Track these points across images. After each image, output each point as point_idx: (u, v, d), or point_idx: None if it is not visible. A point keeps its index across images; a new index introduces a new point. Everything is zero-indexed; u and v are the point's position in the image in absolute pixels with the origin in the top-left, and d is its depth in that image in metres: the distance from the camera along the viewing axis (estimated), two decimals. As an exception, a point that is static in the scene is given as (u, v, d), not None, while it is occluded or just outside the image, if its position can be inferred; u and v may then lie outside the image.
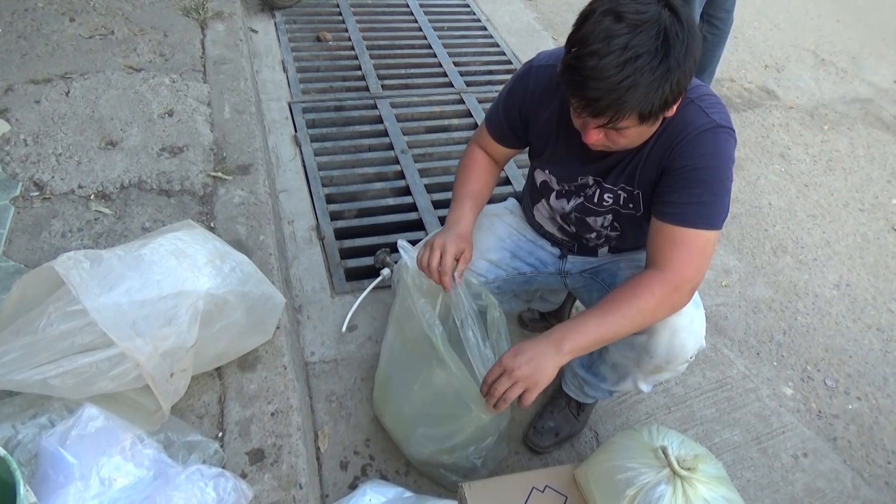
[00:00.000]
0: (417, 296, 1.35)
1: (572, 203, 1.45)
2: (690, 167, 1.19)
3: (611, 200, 1.38)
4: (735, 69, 3.77)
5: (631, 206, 1.36)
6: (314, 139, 2.64)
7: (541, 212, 1.56)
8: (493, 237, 1.57)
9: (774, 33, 4.30)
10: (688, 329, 1.32)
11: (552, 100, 1.32)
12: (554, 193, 1.47)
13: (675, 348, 1.32)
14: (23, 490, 0.87)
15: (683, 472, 1.22)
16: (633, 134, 1.14)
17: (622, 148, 1.21)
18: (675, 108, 1.14)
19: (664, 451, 1.26)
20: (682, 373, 1.62)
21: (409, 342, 1.44)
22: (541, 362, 1.15)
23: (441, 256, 1.29)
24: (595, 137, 1.15)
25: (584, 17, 1.07)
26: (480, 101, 3.02)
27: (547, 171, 1.44)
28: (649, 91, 1.04)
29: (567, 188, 1.43)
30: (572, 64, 1.06)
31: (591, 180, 1.37)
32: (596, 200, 1.40)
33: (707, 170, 1.19)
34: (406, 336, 1.44)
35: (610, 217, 1.42)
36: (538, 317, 1.98)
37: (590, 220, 1.45)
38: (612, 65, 1.01)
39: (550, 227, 1.57)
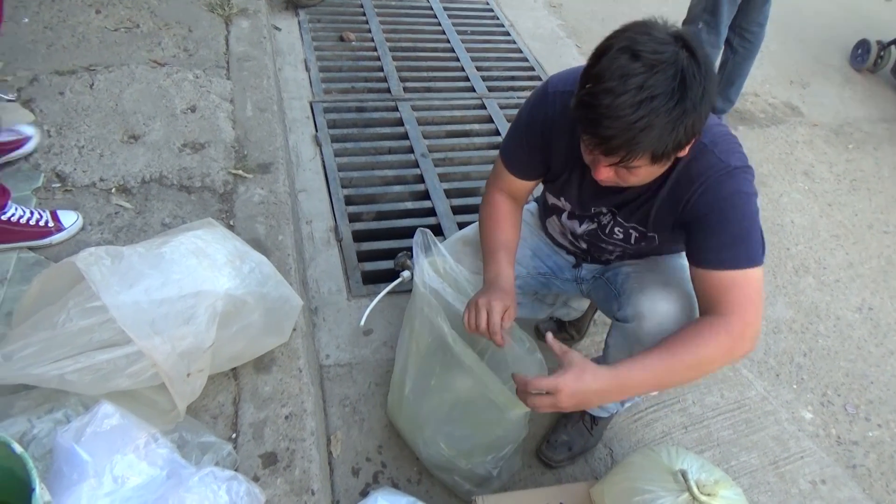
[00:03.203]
0: (430, 297, 1.34)
1: (584, 227, 1.44)
2: (716, 211, 1.17)
3: (621, 235, 1.38)
4: (759, 84, 3.73)
5: (643, 243, 1.36)
6: (335, 139, 2.63)
7: (553, 226, 1.56)
8: None
9: (800, 49, 4.26)
10: (676, 319, 1.30)
11: (571, 127, 1.28)
12: (566, 213, 1.46)
13: (664, 336, 1.28)
14: (38, 489, 0.86)
15: (703, 498, 1.20)
16: (644, 173, 1.12)
17: (632, 185, 1.19)
18: (687, 148, 1.12)
19: (683, 474, 1.24)
20: (698, 387, 1.60)
21: (424, 341, 1.42)
22: (590, 402, 1.13)
23: (488, 315, 1.24)
24: (605, 175, 1.13)
25: (600, 53, 1.04)
26: (502, 107, 3.00)
27: (562, 199, 1.43)
28: (663, 133, 1.02)
29: (579, 213, 1.42)
30: (586, 101, 1.03)
31: (604, 209, 1.36)
32: (608, 232, 1.40)
33: (732, 209, 1.16)
34: (421, 335, 1.42)
35: (622, 245, 1.42)
36: (555, 328, 1.96)
37: (602, 244, 1.45)
38: (627, 104, 0.99)
39: (562, 241, 1.57)
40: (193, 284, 1.26)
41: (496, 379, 1.26)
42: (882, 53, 4.07)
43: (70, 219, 1.67)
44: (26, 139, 1.90)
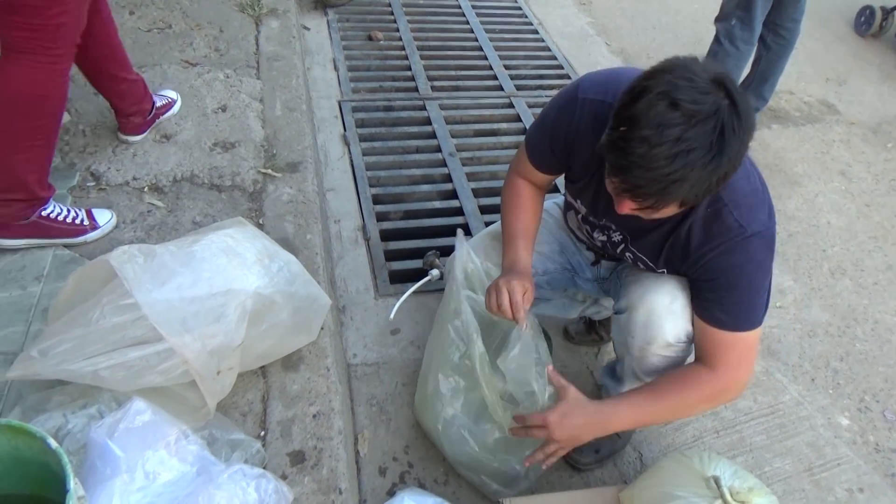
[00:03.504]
0: (468, 308, 1.35)
1: (597, 234, 1.43)
2: (725, 277, 1.19)
3: (631, 260, 1.38)
4: (794, 81, 3.64)
5: (653, 270, 1.35)
6: (363, 139, 2.64)
7: (572, 220, 1.56)
8: (544, 230, 1.56)
9: (837, 45, 4.15)
10: (666, 309, 1.29)
11: (597, 138, 1.22)
12: (580, 216, 1.45)
13: (652, 328, 1.31)
14: (72, 484, 0.87)
15: (737, 505, 1.17)
16: (668, 211, 1.11)
17: (652, 217, 1.17)
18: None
19: (716, 480, 1.21)
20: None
21: (455, 349, 1.42)
22: (581, 435, 1.25)
23: (510, 296, 1.27)
24: (627, 210, 1.11)
25: (637, 95, 0.99)
26: (530, 106, 2.98)
27: (578, 202, 1.41)
28: (695, 185, 1.00)
29: (592, 220, 1.41)
30: (620, 145, 1.00)
31: (614, 226, 1.35)
32: (619, 252, 1.39)
33: (741, 277, 1.18)
34: (454, 342, 1.42)
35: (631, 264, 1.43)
36: (584, 329, 1.94)
37: (613, 251, 1.45)
38: (663, 156, 0.96)
39: (581, 235, 1.56)
40: (223, 283, 1.27)
41: (508, 410, 1.33)
42: (886, 18, 4.07)
43: (104, 217, 1.70)
44: (173, 101, 2.14)
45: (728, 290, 1.19)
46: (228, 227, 1.43)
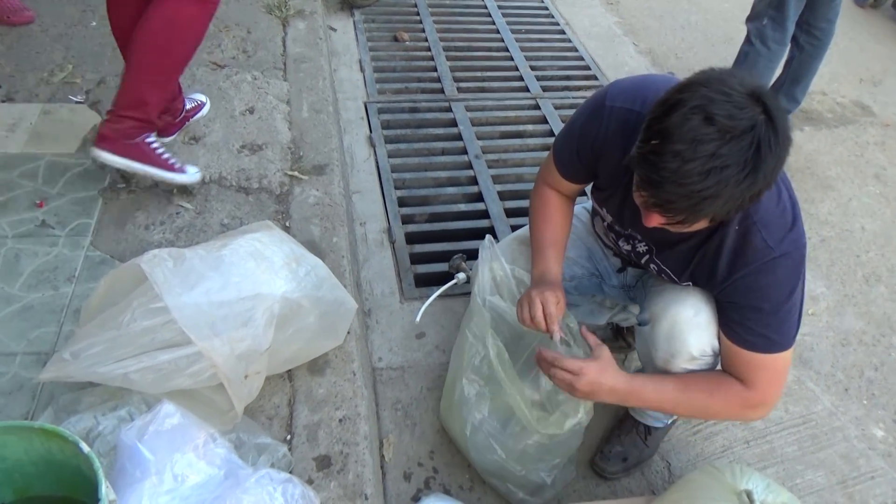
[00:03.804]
0: (486, 312, 1.35)
1: (622, 243, 1.42)
2: (754, 299, 1.17)
3: (655, 271, 1.36)
4: (827, 82, 3.56)
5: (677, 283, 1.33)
6: (388, 140, 2.64)
7: (598, 225, 1.54)
8: (572, 234, 1.54)
9: (872, 45, 4.06)
10: (690, 322, 1.27)
11: (624, 146, 1.21)
12: (606, 224, 1.43)
13: (675, 341, 1.28)
14: (104, 489, 0.88)
15: (770, 520, 1.15)
16: (698, 226, 1.08)
17: (679, 230, 1.15)
18: None
19: (749, 495, 1.19)
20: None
21: (476, 353, 1.42)
22: (601, 396, 1.23)
23: (543, 307, 1.27)
24: (655, 223, 1.08)
25: (670, 107, 0.96)
26: (556, 108, 2.95)
27: (603, 210, 1.40)
28: (728, 202, 0.97)
29: (618, 229, 1.39)
30: (651, 159, 0.97)
31: (639, 236, 1.33)
32: (643, 262, 1.37)
33: (770, 300, 1.16)
34: (474, 347, 1.42)
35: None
36: (611, 336, 1.92)
37: (638, 261, 1.43)
38: (696, 172, 0.93)
39: (607, 241, 1.54)
40: (252, 287, 1.27)
41: (531, 404, 1.30)
42: None
43: (192, 168, 1.83)
44: (202, 104, 2.20)
45: (755, 312, 1.17)
46: (256, 230, 1.44)
